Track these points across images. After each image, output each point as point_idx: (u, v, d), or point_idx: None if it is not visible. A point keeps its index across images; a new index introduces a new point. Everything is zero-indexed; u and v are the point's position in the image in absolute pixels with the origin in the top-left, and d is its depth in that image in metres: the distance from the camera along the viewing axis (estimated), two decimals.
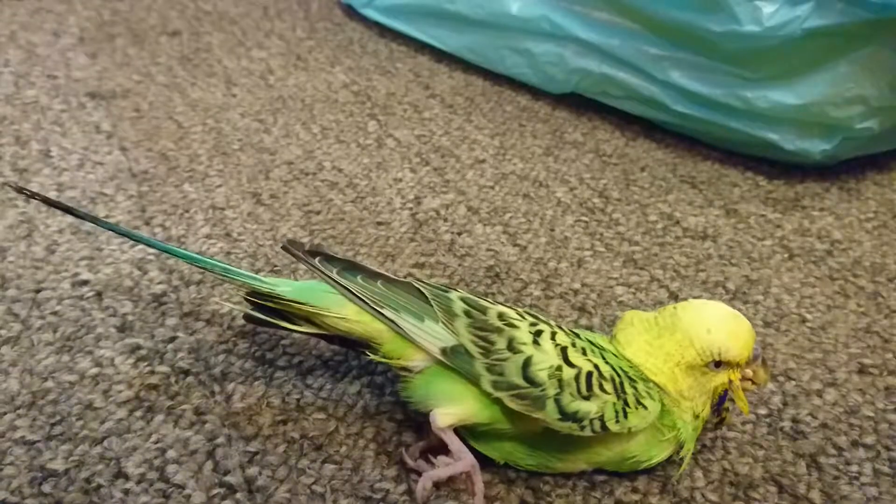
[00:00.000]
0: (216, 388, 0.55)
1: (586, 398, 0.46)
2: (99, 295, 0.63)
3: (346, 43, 1.15)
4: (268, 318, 0.53)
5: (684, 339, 0.48)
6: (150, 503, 0.47)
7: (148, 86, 0.97)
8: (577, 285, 0.68)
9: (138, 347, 0.58)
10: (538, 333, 0.48)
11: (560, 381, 0.46)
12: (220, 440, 0.51)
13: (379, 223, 0.75)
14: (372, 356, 0.51)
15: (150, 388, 0.55)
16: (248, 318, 0.54)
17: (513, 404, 0.46)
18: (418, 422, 0.53)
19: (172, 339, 0.59)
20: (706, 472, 0.52)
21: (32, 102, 0.90)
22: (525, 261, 0.71)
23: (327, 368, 0.58)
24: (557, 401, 0.46)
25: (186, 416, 0.53)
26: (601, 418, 0.46)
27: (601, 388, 0.47)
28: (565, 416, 0.46)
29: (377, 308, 0.50)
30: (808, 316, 0.67)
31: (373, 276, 0.52)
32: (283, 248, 0.55)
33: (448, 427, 0.48)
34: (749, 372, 0.49)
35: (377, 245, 0.72)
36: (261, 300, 0.52)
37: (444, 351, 0.48)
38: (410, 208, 0.77)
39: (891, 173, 0.90)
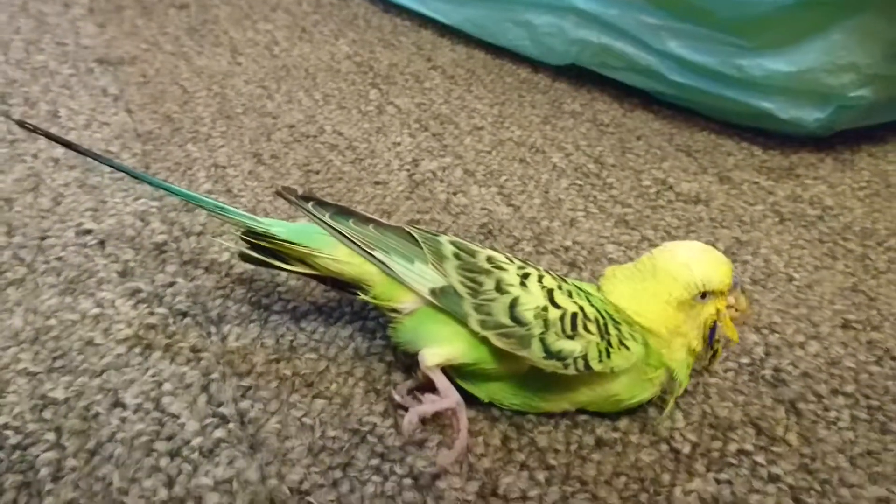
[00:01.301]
0: (212, 329, 0.57)
1: (570, 338, 0.48)
2: (102, 243, 0.65)
3: (350, 17, 1.16)
4: (262, 258, 0.54)
5: (667, 278, 0.50)
6: (145, 430, 0.49)
7: (155, 54, 0.99)
8: (568, 242, 0.70)
9: (138, 291, 0.60)
10: (526, 276, 0.50)
11: (545, 320, 0.48)
12: (215, 375, 0.53)
13: (377, 183, 0.76)
14: (362, 297, 0.52)
15: (148, 328, 0.56)
16: (243, 256, 0.55)
17: (499, 343, 0.48)
18: (407, 363, 0.55)
19: (172, 284, 0.61)
20: (686, 414, 0.53)
21: (42, 67, 0.93)
22: (518, 219, 0.73)
23: (321, 313, 0.59)
24: (542, 340, 0.47)
25: (183, 354, 0.55)
26: (584, 357, 0.48)
27: (585, 328, 0.48)
28: (550, 354, 0.47)
29: (368, 250, 0.51)
30: (796, 275, 0.68)
31: (364, 220, 0.53)
32: (277, 193, 0.56)
33: (435, 366, 0.49)
34: (732, 300, 0.51)
35: (374, 203, 0.73)
36: (256, 240, 0.54)
37: (433, 291, 0.49)
38: (408, 170, 0.79)
39: (885, 145, 0.91)
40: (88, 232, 0.66)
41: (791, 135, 0.88)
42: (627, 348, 0.49)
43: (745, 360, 0.58)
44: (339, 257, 0.52)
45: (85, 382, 0.52)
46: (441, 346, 0.49)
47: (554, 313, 0.48)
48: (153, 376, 0.53)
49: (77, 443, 0.47)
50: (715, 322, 0.51)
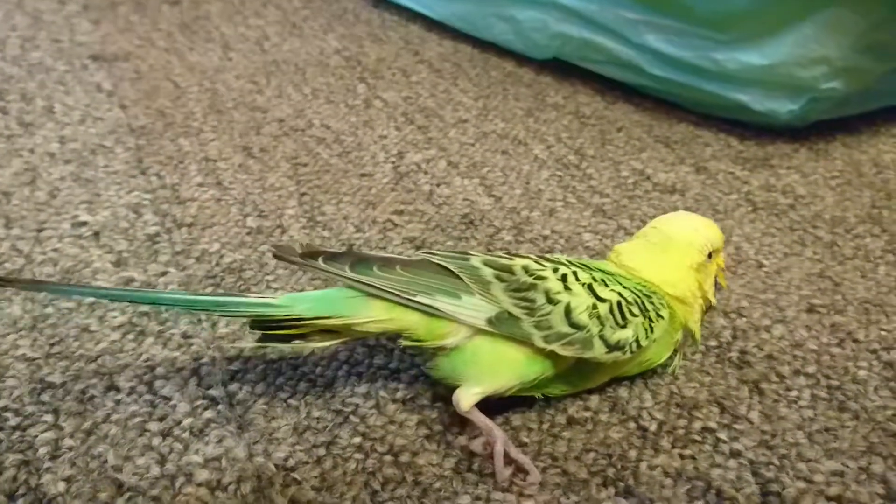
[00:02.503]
0: (203, 317, 0.59)
1: (623, 326, 0.50)
2: (96, 234, 0.67)
3: (340, 12, 1.18)
4: (285, 343, 0.50)
5: (683, 244, 0.55)
6: (138, 412, 0.51)
7: (148, 50, 1.01)
8: (546, 232, 0.72)
9: (132, 280, 0.62)
10: (564, 278, 0.51)
11: (599, 317, 0.50)
12: (205, 360, 0.56)
13: (363, 175, 0.79)
14: (405, 343, 0.50)
15: (141, 315, 0.59)
16: (261, 339, 0.50)
17: (564, 351, 0.49)
18: (389, 347, 0.58)
19: (164, 274, 0.63)
20: (654, 394, 0.56)
21: (38, 64, 0.95)
22: (499, 210, 0.75)
23: None
24: (602, 336, 0.50)
25: (174, 340, 0.57)
26: (637, 340, 0.51)
27: (631, 313, 0.51)
28: (611, 347, 0.50)
29: (410, 297, 0.49)
30: (765, 262, 0.71)
31: (387, 262, 0.50)
32: (275, 256, 0.51)
33: (471, 408, 0.49)
34: (723, 254, 0.59)
35: (360, 194, 0.76)
36: (273, 329, 0.49)
37: (489, 321, 0.49)
38: (393, 162, 0.81)
39: (860, 135, 0.93)
40: (83, 224, 0.68)
41: (767, 126, 0.91)
42: (662, 317, 0.53)
43: (712, 342, 0.61)
44: (377, 316, 0.49)
45: (81, 367, 0.54)
46: (480, 382, 0.49)
47: (603, 308, 0.50)
48: (146, 361, 0.55)
49: (74, 424, 0.50)
50: (715, 276, 0.57)
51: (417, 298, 0.49)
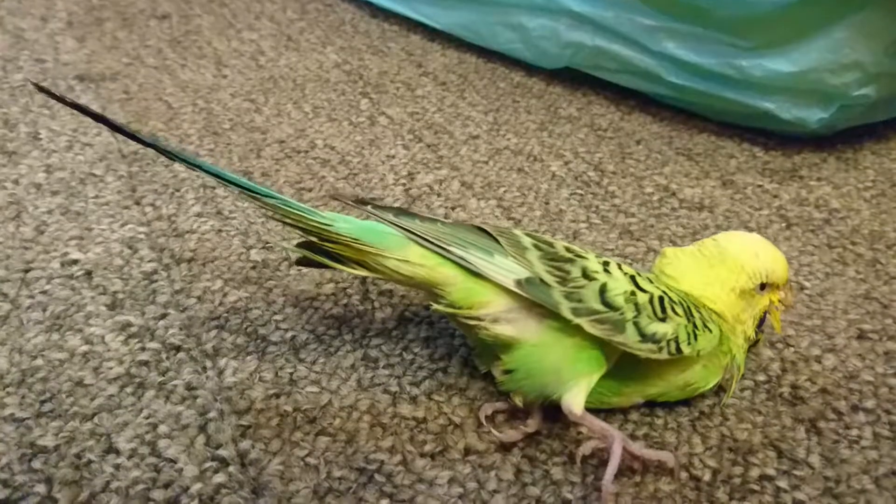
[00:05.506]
0: (208, 364, 0.54)
1: (662, 320, 0.47)
2: (89, 274, 0.62)
3: (337, 23, 1.14)
4: (323, 260, 0.51)
5: (735, 265, 0.51)
6: (141, 478, 0.46)
7: (137, 68, 0.96)
8: None
9: (129, 325, 0.57)
10: (606, 264, 0.49)
11: (636, 304, 0.47)
12: (212, 414, 0.51)
13: (372, 199, 0.74)
14: (436, 307, 0.49)
15: (140, 365, 0.54)
16: (300, 262, 0.55)
17: (593, 329, 0.46)
18: (413, 394, 0.53)
19: (163, 316, 0.58)
20: (704, 438, 0.51)
21: (20, 86, 0.90)
22: None
23: (320, 342, 0.57)
24: (636, 323, 0.47)
25: (178, 392, 0.52)
26: (676, 340, 0.47)
27: (673, 311, 0.48)
28: (644, 338, 0.47)
29: (444, 246, 0.48)
30: (807, 283, 0.66)
31: (430, 220, 0.51)
32: (331, 196, 0.56)
33: (584, 411, 0.47)
34: (782, 293, 0.53)
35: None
36: (315, 241, 0.51)
37: (518, 283, 0.47)
38: (404, 184, 0.76)
39: (888, 143, 0.89)
40: (74, 262, 0.63)
41: (792, 134, 0.86)
42: (710, 331, 0.49)
43: (761, 377, 0.56)
44: (412, 259, 0.49)
45: (76, 427, 0.49)
46: (573, 382, 0.47)
47: (642, 297, 0.48)
48: (147, 418, 0.50)
49: (69, 494, 0.45)
50: (765, 312, 0.53)
51: (451, 248, 0.48)
